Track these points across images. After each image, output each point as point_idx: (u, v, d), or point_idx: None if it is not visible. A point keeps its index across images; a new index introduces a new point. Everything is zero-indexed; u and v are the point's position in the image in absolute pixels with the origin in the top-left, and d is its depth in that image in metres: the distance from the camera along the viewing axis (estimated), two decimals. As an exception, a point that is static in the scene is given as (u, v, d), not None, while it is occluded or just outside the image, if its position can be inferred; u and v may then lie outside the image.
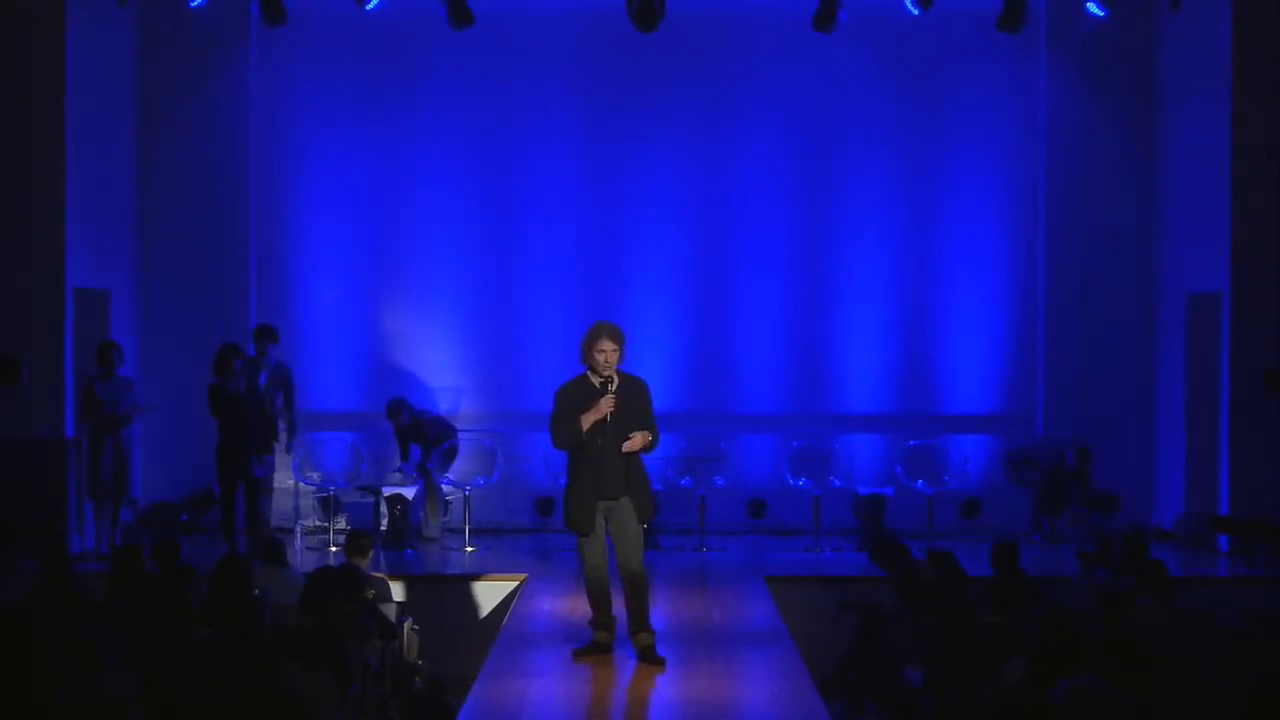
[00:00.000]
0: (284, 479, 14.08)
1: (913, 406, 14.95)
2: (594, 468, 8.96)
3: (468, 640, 11.35)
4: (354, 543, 10.35)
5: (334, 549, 13.27)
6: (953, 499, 14.43)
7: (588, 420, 8.89)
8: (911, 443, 14.56)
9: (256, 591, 9.26)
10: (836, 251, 15.02)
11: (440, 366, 14.95)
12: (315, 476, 14.08)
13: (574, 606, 10.62)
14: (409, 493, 13.60)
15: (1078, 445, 14.04)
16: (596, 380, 9.01)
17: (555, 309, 14.78)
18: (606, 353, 8.95)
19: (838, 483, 14.16)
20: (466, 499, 13.82)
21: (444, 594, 12.05)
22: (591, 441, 8.93)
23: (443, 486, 13.93)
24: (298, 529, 13.90)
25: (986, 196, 15.04)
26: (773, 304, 15.03)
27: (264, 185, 14.90)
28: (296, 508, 14.13)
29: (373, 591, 9.85)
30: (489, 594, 12.08)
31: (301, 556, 12.98)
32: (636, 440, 8.94)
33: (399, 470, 13.88)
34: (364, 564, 10.21)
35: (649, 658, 9.06)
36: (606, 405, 8.89)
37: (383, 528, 13.56)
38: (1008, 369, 15.02)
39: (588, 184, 15.02)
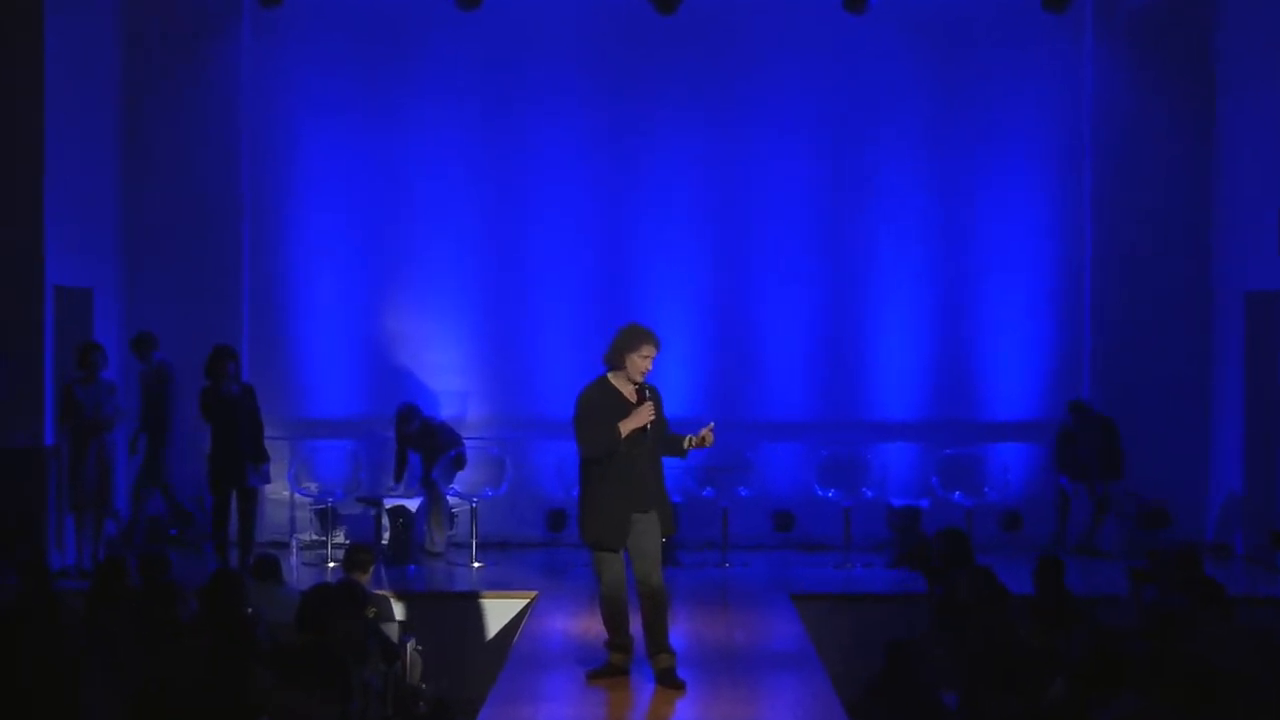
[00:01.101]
0: (279, 489, 14.17)
1: (950, 413, 14.95)
2: (624, 478, 8.98)
3: (475, 662, 11.44)
4: (354, 558, 10.41)
5: (332, 564, 13.33)
6: (992, 511, 14.46)
7: (628, 427, 8.94)
8: (948, 451, 14.58)
9: (250, 609, 9.32)
10: (867, 248, 15.02)
11: (444, 369, 14.98)
12: (312, 487, 14.14)
13: (588, 626, 10.67)
14: (412, 505, 13.66)
15: (1103, 424, 14.06)
16: (624, 385, 9.07)
17: (565, 308, 14.83)
18: (650, 359, 9.04)
19: (869, 494, 14.19)
20: (473, 511, 13.87)
21: (449, 612, 12.10)
22: (625, 451, 8.99)
23: (448, 498, 13.98)
24: (294, 543, 13.98)
25: (1029, 189, 15.01)
26: (799, 303, 15.03)
27: (256, 177, 14.96)
28: (292, 520, 14.20)
29: (374, 610, 9.90)
30: (497, 612, 12.14)
31: (297, 573, 13.05)
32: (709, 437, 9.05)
33: (391, 488, 13.92)
34: (364, 580, 10.26)
35: (668, 680, 9.09)
36: (648, 413, 8.95)
37: (384, 542, 13.63)
38: (1051, 372, 14.99)
39: (600, 176, 15.03)
